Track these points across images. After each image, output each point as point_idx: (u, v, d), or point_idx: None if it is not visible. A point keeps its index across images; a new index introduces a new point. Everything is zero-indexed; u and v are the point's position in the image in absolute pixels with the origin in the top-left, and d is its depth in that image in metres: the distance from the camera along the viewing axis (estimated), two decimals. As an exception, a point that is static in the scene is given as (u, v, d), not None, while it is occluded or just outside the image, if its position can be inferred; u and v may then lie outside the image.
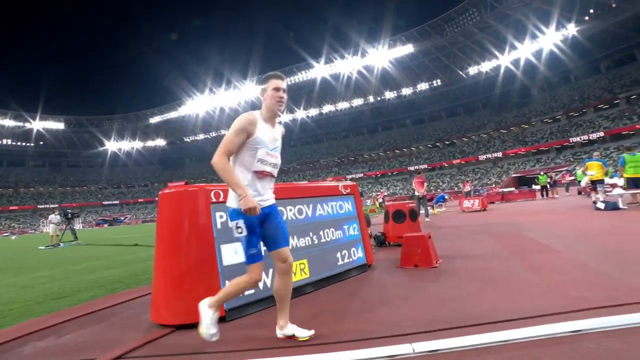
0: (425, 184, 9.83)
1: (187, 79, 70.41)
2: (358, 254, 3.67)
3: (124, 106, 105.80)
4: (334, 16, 71.67)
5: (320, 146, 70.71)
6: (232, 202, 1.93)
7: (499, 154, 48.80)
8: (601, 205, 7.94)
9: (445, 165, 53.96)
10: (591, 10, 40.42)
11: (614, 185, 10.17)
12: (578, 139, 41.48)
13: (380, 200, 22.63)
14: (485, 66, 51.98)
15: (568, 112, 45.96)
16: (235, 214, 1.90)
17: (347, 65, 56.22)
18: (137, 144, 79.07)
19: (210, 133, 77.10)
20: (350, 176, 60.52)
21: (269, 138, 1.98)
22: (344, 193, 3.63)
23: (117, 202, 73.44)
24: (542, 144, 45.55)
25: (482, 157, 50.04)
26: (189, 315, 2.22)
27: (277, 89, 1.99)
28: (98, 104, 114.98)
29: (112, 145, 77.41)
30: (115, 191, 76.59)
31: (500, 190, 21.91)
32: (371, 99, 63.08)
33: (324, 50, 55.45)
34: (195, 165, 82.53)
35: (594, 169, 8.85)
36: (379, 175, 59.69)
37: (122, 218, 65.95)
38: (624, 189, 8.39)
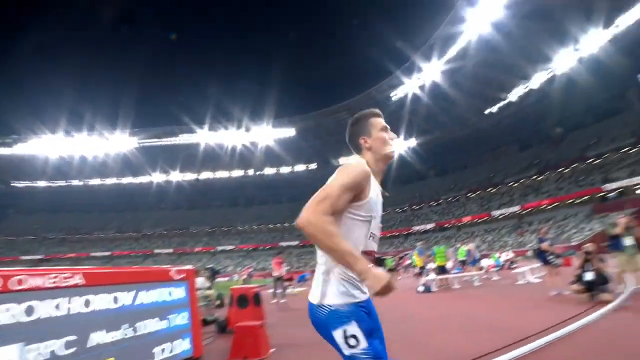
0: (284, 265, 10.17)
1: (35, 113, 58.66)
2: (184, 345, 3.40)
3: None
4: (219, 91, 74.06)
5: (193, 213, 66.17)
6: (330, 296, 1.26)
7: (361, 236, 54.90)
8: (421, 289, 9.63)
9: (315, 242, 57.09)
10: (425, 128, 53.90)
11: (434, 270, 12.54)
12: (418, 227, 50.78)
13: (245, 276, 21.81)
14: (352, 159, 60.96)
15: (411, 206, 56.65)
16: (340, 317, 1.22)
17: (231, 137, 57.49)
18: None
19: (56, 181, 63.73)
20: (221, 247, 57.49)
21: (380, 202, 1.45)
22: (176, 278, 3.47)
23: None
24: (394, 229, 53.69)
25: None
26: None
27: (385, 129, 1.51)
28: None
29: None
30: None
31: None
32: (251, 172, 64.72)
33: (208, 118, 55.49)
34: (23, 217, 64.89)
35: (415, 257, 10.92)
36: (250, 249, 58.37)
37: None
38: (436, 274, 10.50)
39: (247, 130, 56.56)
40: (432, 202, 54.59)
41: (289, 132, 57.81)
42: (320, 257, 1.34)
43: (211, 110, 55.20)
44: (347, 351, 1.21)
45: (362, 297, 1.30)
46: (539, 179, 42.18)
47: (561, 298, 6.53)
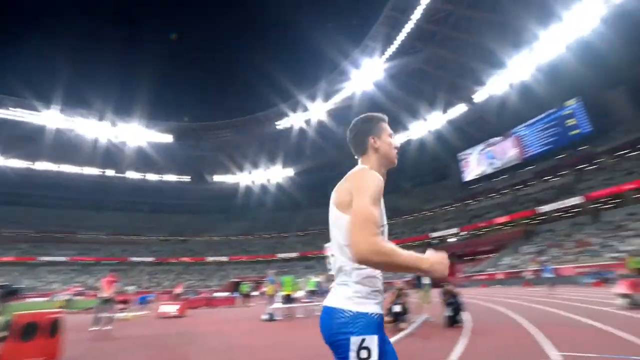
0: (117, 285, 8.83)
1: None
2: None
3: None
4: (75, 70, 58.80)
5: (16, 211, 51.50)
6: (360, 303, 1.22)
7: (226, 258, 52.59)
8: (265, 317, 9.75)
9: (173, 261, 51.86)
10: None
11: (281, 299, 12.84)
12: (282, 255, 52.01)
13: (67, 296, 17.84)
14: (229, 178, 59.53)
15: (280, 233, 57.96)
16: (365, 324, 1.18)
17: (92, 128, 48.90)
18: None
19: None
20: (46, 258, 46.22)
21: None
22: None
23: None
24: (259, 255, 53.46)
25: (209, 259, 52.11)
26: None
27: (392, 136, 1.48)
28: None
29: None
30: None
31: (213, 295, 22.92)
32: (111, 173, 55.69)
33: (58, 99, 45.24)
34: None
35: (266, 286, 11.10)
36: (91, 262, 48.80)
37: None
38: (283, 303, 10.83)
39: (113, 124, 49.13)
40: (300, 232, 57.24)
41: (167, 137, 52.88)
42: (347, 264, 1.27)
43: (62, 90, 45.17)
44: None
45: (380, 311, 1.28)
46: (390, 222, 49.50)
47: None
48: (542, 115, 36.73)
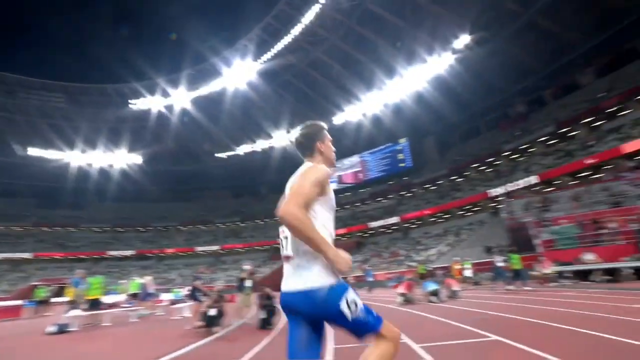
0: None
1: None
2: None
3: None
4: None
5: None
6: (328, 275, 1.47)
7: (28, 255, 41.39)
8: (52, 329, 7.90)
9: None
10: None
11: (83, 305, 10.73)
12: (115, 253, 44.66)
13: None
14: (52, 155, 47.65)
15: (115, 227, 49.69)
16: (340, 290, 1.47)
17: None
18: None
19: None
20: None
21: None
22: None
23: None
24: (83, 251, 44.36)
25: (2, 256, 39.96)
26: None
27: (331, 141, 1.79)
28: None
29: None
30: None
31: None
32: None
33: None
34: None
35: (69, 289, 9.15)
36: None
37: None
38: (85, 309, 9.11)
39: None
40: (141, 227, 50.53)
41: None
42: (304, 245, 1.44)
43: None
44: (351, 316, 1.43)
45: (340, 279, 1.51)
46: (241, 225, 49.26)
47: (192, 331, 7.18)
48: (383, 146, 44.02)
